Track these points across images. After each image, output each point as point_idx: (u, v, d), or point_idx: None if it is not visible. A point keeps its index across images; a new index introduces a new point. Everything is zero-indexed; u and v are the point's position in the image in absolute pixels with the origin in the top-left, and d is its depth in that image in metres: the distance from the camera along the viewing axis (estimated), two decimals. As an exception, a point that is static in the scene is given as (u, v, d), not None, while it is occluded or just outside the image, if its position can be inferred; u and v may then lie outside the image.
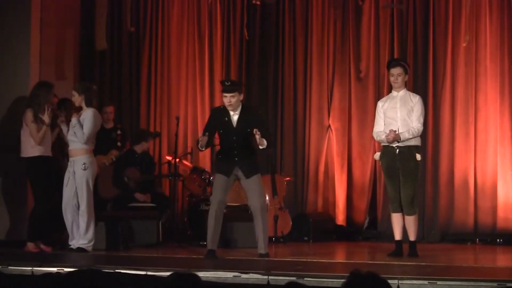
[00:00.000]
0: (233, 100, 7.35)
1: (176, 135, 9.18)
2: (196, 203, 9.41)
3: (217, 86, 10.40)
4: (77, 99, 7.82)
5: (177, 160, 9.20)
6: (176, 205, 9.19)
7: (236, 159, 7.39)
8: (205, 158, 10.41)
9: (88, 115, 7.74)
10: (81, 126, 7.72)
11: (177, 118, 9.27)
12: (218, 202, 7.43)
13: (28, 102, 8.00)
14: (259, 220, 7.36)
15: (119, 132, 9.45)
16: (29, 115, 7.89)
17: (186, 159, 9.98)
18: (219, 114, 7.54)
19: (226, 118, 7.43)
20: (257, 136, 7.16)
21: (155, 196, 9.33)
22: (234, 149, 7.41)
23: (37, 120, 7.87)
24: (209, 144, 7.64)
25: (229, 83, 7.47)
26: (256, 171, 7.46)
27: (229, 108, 7.40)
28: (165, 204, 9.33)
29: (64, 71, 9.82)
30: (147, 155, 9.64)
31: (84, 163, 7.72)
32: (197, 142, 7.43)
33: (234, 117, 7.43)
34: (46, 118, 7.89)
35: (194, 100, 10.61)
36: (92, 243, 7.73)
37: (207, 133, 7.35)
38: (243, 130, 7.39)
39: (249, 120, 7.40)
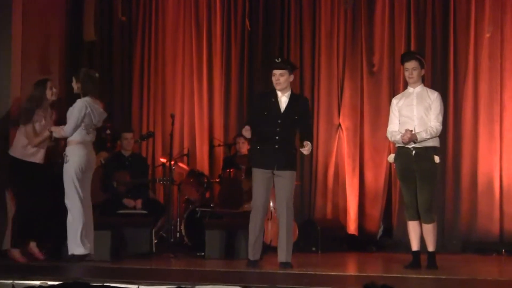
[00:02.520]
0: (282, 79, 7.22)
1: (171, 135, 8.95)
2: (193, 210, 9.17)
3: (216, 82, 10.52)
4: (75, 85, 7.64)
5: (172, 162, 9.07)
6: (172, 211, 9.10)
7: (277, 146, 7.18)
8: (203, 160, 10.37)
9: (73, 107, 7.53)
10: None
11: (172, 116, 9.11)
12: (262, 206, 7.25)
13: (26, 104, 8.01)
14: (283, 223, 7.16)
15: (108, 131, 9.33)
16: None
17: (182, 161, 9.93)
18: (265, 96, 7.42)
19: (273, 99, 7.27)
20: (306, 148, 7.02)
21: (148, 202, 9.18)
22: (276, 134, 7.20)
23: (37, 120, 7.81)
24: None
25: (280, 59, 7.36)
26: (292, 166, 7.27)
27: (277, 87, 7.25)
28: (159, 211, 9.17)
29: (49, 66, 9.60)
30: (138, 156, 9.54)
31: (66, 155, 7.48)
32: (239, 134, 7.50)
33: (283, 99, 7.27)
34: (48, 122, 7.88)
35: (191, 97, 10.52)
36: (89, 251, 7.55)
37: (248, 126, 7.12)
38: (290, 116, 7.22)
39: (298, 108, 7.26)
